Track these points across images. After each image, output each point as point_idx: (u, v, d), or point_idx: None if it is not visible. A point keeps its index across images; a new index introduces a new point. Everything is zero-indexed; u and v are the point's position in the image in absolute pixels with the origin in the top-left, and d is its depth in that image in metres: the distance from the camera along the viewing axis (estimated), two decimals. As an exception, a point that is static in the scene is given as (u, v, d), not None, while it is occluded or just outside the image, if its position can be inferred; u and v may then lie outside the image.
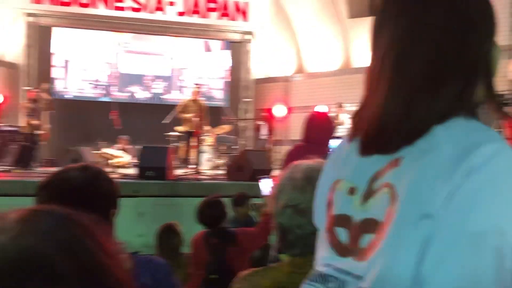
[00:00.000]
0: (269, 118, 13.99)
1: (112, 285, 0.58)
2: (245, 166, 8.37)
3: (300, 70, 15.60)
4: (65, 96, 14.73)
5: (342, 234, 1.02)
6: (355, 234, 0.99)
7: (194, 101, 10.50)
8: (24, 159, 9.93)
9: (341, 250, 1.02)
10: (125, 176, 8.94)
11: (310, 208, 1.20)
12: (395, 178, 0.95)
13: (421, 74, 0.98)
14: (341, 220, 1.03)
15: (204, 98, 11.68)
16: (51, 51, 14.55)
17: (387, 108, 0.99)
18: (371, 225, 0.96)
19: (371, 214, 0.97)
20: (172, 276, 1.90)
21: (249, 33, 15.85)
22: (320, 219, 1.11)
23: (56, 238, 0.57)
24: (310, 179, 1.48)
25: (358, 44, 13.90)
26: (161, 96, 15.41)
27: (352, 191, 1.03)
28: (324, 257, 1.06)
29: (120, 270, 0.61)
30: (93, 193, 1.61)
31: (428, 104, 0.96)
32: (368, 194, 0.99)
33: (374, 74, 1.04)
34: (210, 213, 3.99)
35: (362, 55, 13.67)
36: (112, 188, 1.70)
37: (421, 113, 0.96)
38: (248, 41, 15.96)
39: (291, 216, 1.52)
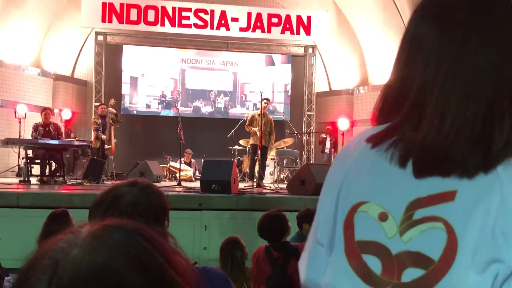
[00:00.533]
0: (332, 131, 13.89)
1: None
2: (308, 180, 8.32)
3: (364, 83, 15.42)
4: (133, 112, 15.19)
5: (373, 263, 0.93)
6: (394, 266, 0.91)
7: (260, 115, 10.54)
8: (94, 173, 10.26)
9: (371, 280, 0.93)
10: (190, 189, 9.07)
11: None
12: (450, 215, 0.88)
13: (495, 97, 0.92)
14: (371, 248, 0.94)
15: (267, 112, 11.72)
16: (121, 68, 15.04)
17: (452, 130, 0.92)
18: (420, 261, 0.89)
19: (417, 247, 0.90)
20: (230, 285, 1.90)
21: (312, 46, 15.85)
22: (326, 236, 1.03)
23: (127, 254, 0.57)
24: None
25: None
26: (224, 110, 15.61)
27: (383, 217, 0.94)
28: (346, 283, 0.96)
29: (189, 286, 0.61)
30: (144, 206, 1.64)
31: (502, 132, 0.90)
32: (408, 224, 0.91)
33: (426, 87, 0.96)
34: (272, 227, 3.99)
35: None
36: (162, 200, 1.73)
37: (498, 142, 0.89)
38: (311, 54, 15.96)
39: None
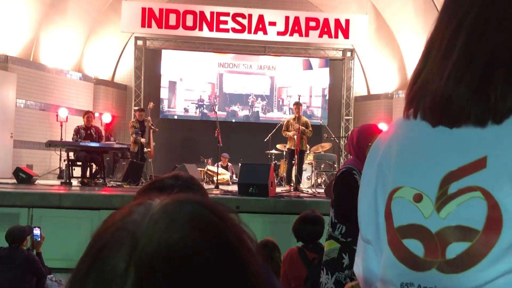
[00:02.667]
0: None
1: (252, 279, 0.57)
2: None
3: (403, 87, 15.20)
4: (172, 116, 15.34)
5: (415, 247, 0.92)
6: (436, 245, 0.89)
7: (295, 119, 10.51)
8: (133, 175, 10.40)
9: (416, 264, 0.91)
10: (227, 192, 9.10)
11: None
12: (486, 181, 0.87)
13: (500, 51, 0.92)
14: (410, 231, 0.93)
15: (304, 116, 11.67)
16: (160, 72, 15.23)
17: (452, 75, 0.93)
18: (463, 234, 0.87)
19: (457, 221, 0.88)
20: (273, 276, 1.88)
21: (350, 50, 15.74)
22: (372, 231, 1.02)
23: (202, 230, 0.56)
24: None
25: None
26: (261, 115, 15.62)
27: (418, 198, 0.93)
28: (392, 274, 0.95)
29: (257, 265, 0.60)
30: None
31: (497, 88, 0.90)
32: (444, 200, 0.90)
33: (443, 44, 0.97)
34: (309, 229, 3.97)
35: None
36: (204, 193, 1.76)
37: (496, 94, 0.89)
38: (349, 58, 15.84)
39: None
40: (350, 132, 14.55)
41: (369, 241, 1.04)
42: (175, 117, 15.39)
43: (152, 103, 11.91)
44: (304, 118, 10.90)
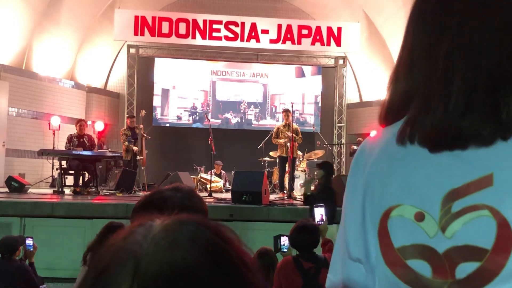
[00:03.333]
0: (363, 142, 13.75)
1: None
2: (340, 191, 8.23)
3: (394, 94, 15.25)
4: (164, 123, 15.33)
5: (421, 267, 0.88)
6: (445, 265, 0.86)
7: (286, 126, 10.53)
8: (126, 184, 10.36)
9: (423, 284, 0.88)
10: (221, 200, 9.09)
11: None
12: (493, 200, 0.84)
13: (498, 69, 0.89)
14: (415, 252, 0.89)
15: (297, 124, 11.70)
16: (152, 80, 15.22)
17: (459, 102, 0.88)
18: (471, 253, 0.85)
19: (464, 241, 0.86)
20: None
21: (342, 57, 15.80)
22: (361, 249, 0.97)
23: (204, 250, 0.56)
24: None
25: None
26: (254, 122, 15.64)
27: (420, 217, 0.89)
28: None
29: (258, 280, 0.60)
30: (190, 211, 1.65)
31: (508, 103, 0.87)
32: (448, 218, 0.87)
33: (439, 63, 0.93)
34: (306, 238, 3.97)
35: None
36: (204, 205, 1.75)
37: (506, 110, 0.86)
38: (342, 65, 15.90)
39: None
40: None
41: (360, 260, 0.99)
42: (168, 124, 15.38)
43: (144, 110, 11.88)
44: (294, 125, 10.92)
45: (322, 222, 4.57)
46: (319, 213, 4.58)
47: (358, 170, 1.02)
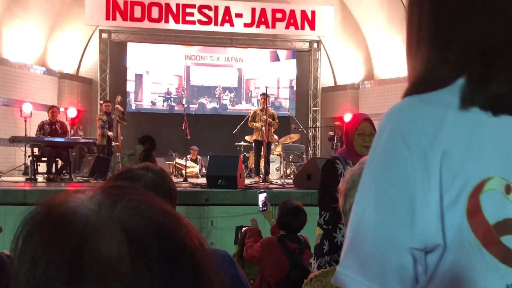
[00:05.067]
0: (340, 127, 13.85)
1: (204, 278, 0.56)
2: (314, 174, 8.29)
3: (369, 77, 15.37)
4: (138, 109, 15.19)
5: None
6: None
7: (263, 110, 10.52)
8: (100, 170, 10.27)
9: None
10: (196, 185, 9.07)
11: None
12: None
13: None
14: (508, 227, 0.82)
15: (272, 108, 11.69)
16: (125, 65, 15.04)
17: None
18: None
19: None
20: (235, 265, 1.88)
21: (316, 41, 15.81)
22: (425, 235, 0.84)
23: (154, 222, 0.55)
24: None
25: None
26: (229, 107, 15.60)
27: (508, 189, 0.82)
28: (492, 277, 0.83)
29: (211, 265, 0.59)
30: (162, 189, 1.64)
31: None
32: None
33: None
34: (297, 220, 3.98)
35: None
36: (173, 184, 1.74)
37: None
38: (316, 49, 15.91)
39: None
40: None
41: (415, 249, 0.85)
42: (142, 110, 15.24)
43: (119, 96, 11.75)
44: (271, 110, 10.92)
45: (265, 208, 4.56)
46: (261, 199, 4.57)
47: (404, 143, 0.86)
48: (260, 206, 4.53)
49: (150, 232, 0.53)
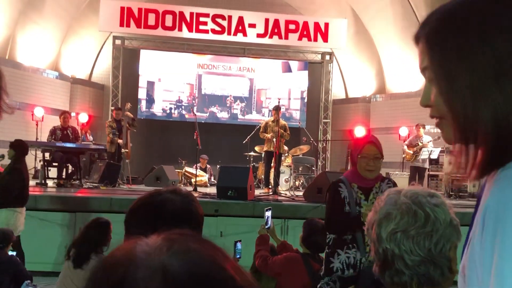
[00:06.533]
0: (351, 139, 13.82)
1: None
2: (325, 188, 8.24)
3: (381, 91, 15.33)
4: (150, 116, 15.22)
5: None
6: None
7: (274, 121, 10.51)
8: (110, 177, 10.28)
9: None
10: (205, 195, 9.05)
11: (420, 234, 1.24)
12: None
13: None
14: None
15: (283, 119, 11.68)
16: (138, 72, 15.09)
17: None
18: None
19: None
20: None
21: (329, 53, 15.80)
22: None
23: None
24: (418, 204, 1.44)
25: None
26: (240, 117, 15.60)
27: None
28: None
29: None
30: (191, 214, 1.63)
31: None
32: None
33: None
34: (322, 240, 3.85)
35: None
36: (201, 209, 1.70)
37: None
38: (328, 61, 15.90)
39: (401, 241, 1.46)
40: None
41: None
42: (153, 117, 15.28)
43: (129, 103, 11.76)
44: (283, 122, 10.90)
45: (270, 225, 4.37)
46: (268, 216, 4.40)
47: None
48: (266, 223, 4.42)
49: (189, 277, 0.57)
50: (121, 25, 14.39)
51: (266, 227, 4.34)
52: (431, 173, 11.80)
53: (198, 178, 11.25)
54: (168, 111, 15.31)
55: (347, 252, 3.42)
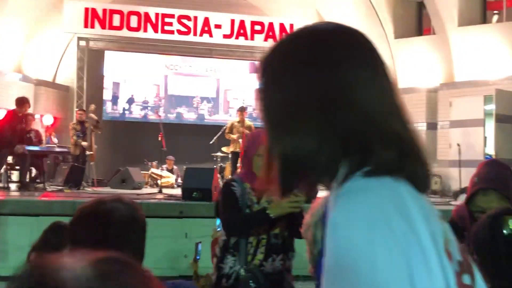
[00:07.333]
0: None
1: None
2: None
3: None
4: (115, 117, 15.11)
5: None
6: None
7: (240, 122, 10.57)
8: (75, 179, 10.19)
9: None
10: (171, 197, 9.06)
11: None
12: None
13: None
14: None
15: (250, 119, 11.74)
16: (103, 74, 14.96)
17: None
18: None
19: None
20: None
21: (294, 54, 15.88)
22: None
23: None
24: None
25: (403, 64, 13.85)
26: (207, 117, 15.61)
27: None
28: None
29: None
30: (137, 223, 1.65)
31: None
32: None
33: None
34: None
35: (407, 74, 13.60)
36: (145, 221, 1.72)
37: None
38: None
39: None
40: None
41: None
42: (119, 119, 15.17)
43: (93, 105, 11.64)
44: (248, 122, 10.97)
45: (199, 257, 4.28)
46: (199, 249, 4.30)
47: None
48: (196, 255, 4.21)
49: None
50: (86, 26, 14.24)
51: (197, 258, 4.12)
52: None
53: (164, 180, 11.23)
54: (134, 112, 15.22)
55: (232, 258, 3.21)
